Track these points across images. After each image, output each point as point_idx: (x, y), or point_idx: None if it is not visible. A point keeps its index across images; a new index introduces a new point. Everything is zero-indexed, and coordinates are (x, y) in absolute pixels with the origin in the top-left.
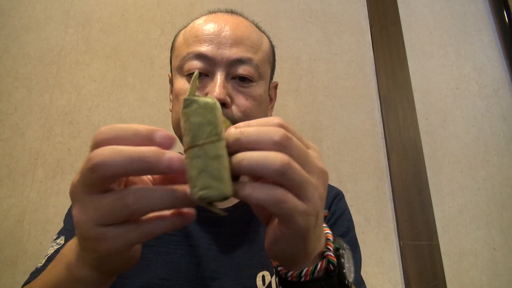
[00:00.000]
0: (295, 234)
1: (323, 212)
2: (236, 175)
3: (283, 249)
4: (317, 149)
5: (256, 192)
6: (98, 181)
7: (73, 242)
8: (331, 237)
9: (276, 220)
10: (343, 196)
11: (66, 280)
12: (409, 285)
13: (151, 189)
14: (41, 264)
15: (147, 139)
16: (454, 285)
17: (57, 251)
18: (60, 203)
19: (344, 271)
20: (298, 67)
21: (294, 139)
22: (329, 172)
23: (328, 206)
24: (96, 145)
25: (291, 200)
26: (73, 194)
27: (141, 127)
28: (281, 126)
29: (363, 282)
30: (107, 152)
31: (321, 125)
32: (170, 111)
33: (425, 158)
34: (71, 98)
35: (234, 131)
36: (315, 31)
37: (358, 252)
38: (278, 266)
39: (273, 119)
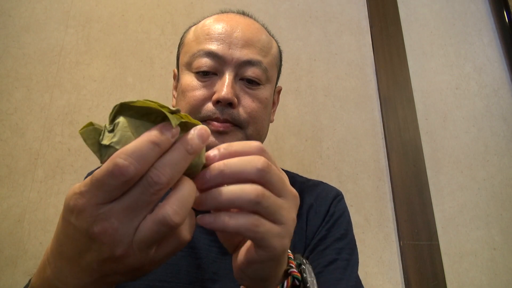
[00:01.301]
0: (270, 257)
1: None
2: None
3: (255, 271)
4: (284, 174)
5: (232, 221)
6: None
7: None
8: (291, 255)
9: (249, 245)
10: (342, 197)
11: None
12: (409, 285)
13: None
14: None
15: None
16: (454, 285)
17: None
18: (60, 203)
19: (308, 285)
20: (298, 67)
21: (273, 166)
22: (329, 172)
23: (327, 207)
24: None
25: (265, 224)
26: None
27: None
28: (262, 151)
29: (361, 285)
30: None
31: (321, 125)
32: (174, 106)
33: (425, 158)
34: (71, 98)
35: (217, 164)
36: (315, 31)
37: (355, 254)
38: None
39: (252, 143)
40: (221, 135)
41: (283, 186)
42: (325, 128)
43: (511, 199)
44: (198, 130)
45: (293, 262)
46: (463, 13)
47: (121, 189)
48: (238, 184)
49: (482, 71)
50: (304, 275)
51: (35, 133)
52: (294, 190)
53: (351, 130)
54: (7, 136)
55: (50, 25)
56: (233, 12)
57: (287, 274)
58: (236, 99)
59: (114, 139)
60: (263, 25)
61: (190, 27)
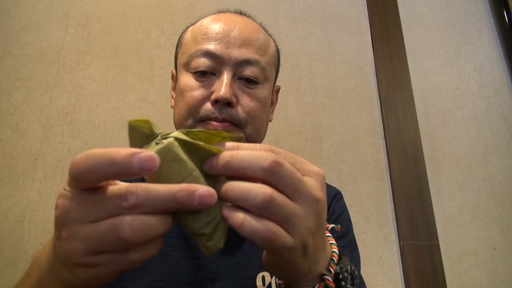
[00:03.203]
0: (282, 263)
1: (312, 242)
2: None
3: (275, 269)
4: (319, 175)
5: (245, 226)
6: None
7: (47, 256)
8: (335, 258)
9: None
10: (342, 196)
11: None
12: (409, 285)
13: (148, 219)
14: None
15: (126, 168)
16: (454, 285)
17: None
18: None
19: None
20: (298, 67)
21: (286, 165)
22: (329, 172)
23: (327, 207)
24: (74, 178)
25: (280, 238)
26: (61, 219)
27: (117, 154)
28: (271, 151)
29: (363, 282)
30: (143, 191)
31: (321, 125)
32: (172, 107)
33: (425, 158)
34: (71, 98)
35: (225, 154)
36: (315, 31)
37: (356, 252)
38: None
39: (264, 145)
40: None
41: (298, 189)
42: (325, 128)
43: (511, 199)
44: (202, 191)
45: (333, 267)
46: (463, 13)
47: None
48: (247, 183)
49: (482, 71)
50: (343, 283)
51: (35, 133)
52: (316, 194)
53: (351, 130)
54: (7, 136)
55: (50, 25)
56: (231, 11)
57: (321, 279)
58: (234, 99)
59: (154, 149)
60: (260, 24)
61: (187, 27)
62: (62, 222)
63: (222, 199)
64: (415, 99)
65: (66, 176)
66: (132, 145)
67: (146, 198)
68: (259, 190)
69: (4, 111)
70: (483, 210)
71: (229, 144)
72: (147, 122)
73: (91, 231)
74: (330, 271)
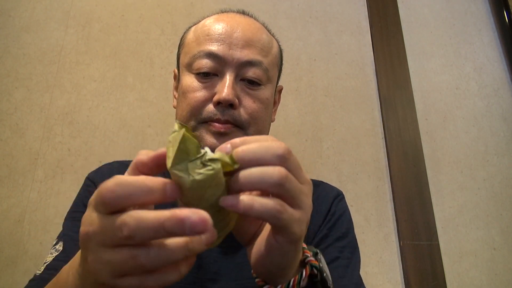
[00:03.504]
0: (290, 242)
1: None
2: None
3: (275, 260)
4: (310, 185)
5: (256, 205)
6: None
7: (75, 272)
8: (304, 245)
9: (266, 234)
10: (343, 197)
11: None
12: (409, 285)
13: (165, 248)
14: (40, 272)
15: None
16: (454, 285)
17: (56, 259)
18: (60, 203)
19: (325, 275)
20: (298, 67)
21: (292, 152)
22: (329, 172)
23: (328, 207)
24: (104, 204)
25: (288, 210)
26: (86, 243)
27: (154, 184)
28: (277, 141)
29: (362, 283)
30: (133, 222)
31: (321, 125)
32: (174, 107)
33: (425, 158)
34: (71, 98)
35: (238, 152)
36: (315, 31)
37: (357, 253)
38: (263, 285)
39: (268, 136)
40: (222, 136)
41: (300, 171)
42: (325, 128)
43: (511, 199)
44: (193, 219)
45: (308, 251)
46: (463, 13)
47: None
48: (261, 167)
49: (482, 71)
50: (320, 264)
51: (35, 133)
52: (308, 177)
53: (351, 130)
54: (7, 136)
55: (50, 25)
56: (233, 11)
57: (304, 263)
58: (237, 100)
59: (198, 177)
60: (263, 24)
61: (190, 27)
62: (87, 246)
63: (238, 187)
64: (415, 99)
65: (66, 176)
66: (174, 154)
67: (137, 228)
68: (274, 169)
69: (4, 111)
70: (483, 210)
71: (234, 140)
72: (197, 142)
73: (112, 256)
74: (307, 255)
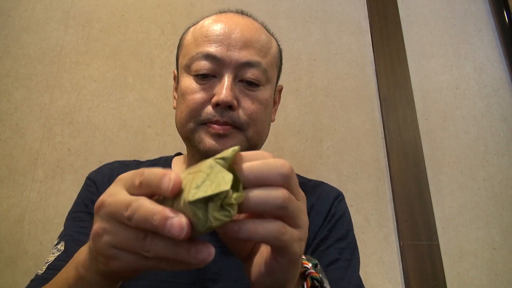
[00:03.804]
0: (291, 261)
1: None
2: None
3: (277, 278)
4: (304, 199)
5: (259, 230)
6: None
7: (86, 247)
8: (303, 256)
9: (265, 253)
10: (343, 198)
11: (74, 279)
12: (409, 285)
13: (171, 245)
14: (42, 272)
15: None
16: (454, 285)
17: (57, 259)
18: (60, 203)
19: (325, 285)
20: (298, 67)
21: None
22: (329, 172)
23: (329, 208)
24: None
25: (289, 230)
26: (99, 209)
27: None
28: (283, 181)
29: (362, 284)
30: (135, 206)
31: (321, 125)
32: (174, 108)
33: (425, 158)
34: (71, 98)
35: (242, 170)
36: (315, 31)
37: (356, 254)
38: None
39: (265, 153)
40: (221, 138)
41: (299, 189)
42: (325, 128)
43: (511, 199)
44: (172, 222)
45: (307, 263)
46: (463, 13)
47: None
48: (264, 188)
49: (482, 71)
50: (320, 275)
51: (35, 133)
52: (302, 192)
53: (351, 130)
54: (7, 136)
55: (50, 25)
56: (232, 11)
57: (304, 275)
58: (235, 102)
59: (214, 223)
60: (262, 24)
61: (188, 28)
62: (98, 211)
63: (242, 210)
64: (415, 99)
65: (66, 176)
66: (203, 190)
67: (134, 214)
68: (278, 192)
69: (4, 111)
70: (483, 210)
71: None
72: (232, 176)
73: (116, 229)
74: (307, 267)
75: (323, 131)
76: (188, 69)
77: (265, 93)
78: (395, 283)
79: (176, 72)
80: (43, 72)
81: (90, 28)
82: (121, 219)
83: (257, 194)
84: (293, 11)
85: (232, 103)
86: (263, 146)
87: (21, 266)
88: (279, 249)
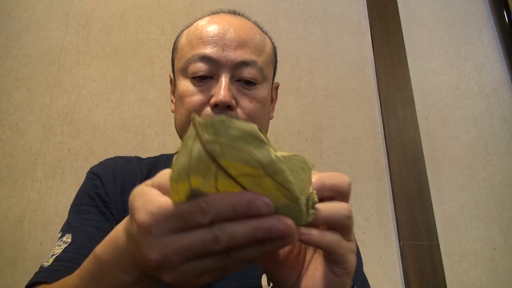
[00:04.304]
0: (346, 273)
1: None
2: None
3: None
4: None
5: (327, 237)
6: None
7: (108, 264)
8: None
9: (320, 269)
10: None
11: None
12: (409, 285)
13: (247, 224)
14: (48, 264)
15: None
16: (454, 285)
17: (65, 251)
18: (60, 203)
19: None
20: (298, 67)
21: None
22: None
23: None
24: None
25: (345, 242)
26: (150, 231)
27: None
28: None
29: (367, 280)
30: (209, 206)
31: (321, 125)
32: (173, 112)
33: (425, 158)
34: (71, 98)
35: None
36: (315, 31)
37: (358, 254)
38: None
39: (341, 175)
40: None
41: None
42: (325, 128)
43: (511, 199)
44: (282, 225)
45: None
46: (463, 13)
47: (191, 227)
48: (333, 202)
49: (482, 71)
50: None
51: (35, 133)
52: None
53: (351, 130)
54: (7, 136)
55: (50, 25)
56: (225, 12)
57: None
58: (233, 101)
59: (310, 218)
60: (255, 23)
61: (182, 31)
62: (150, 234)
63: (315, 222)
64: (415, 99)
65: (66, 176)
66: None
67: (211, 208)
68: (344, 205)
69: (4, 111)
70: (483, 210)
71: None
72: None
73: (187, 239)
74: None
75: (323, 131)
76: (184, 72)
77: (262, 91)
78: (395, 283)
79: (172, 75)
80: (43, 72)
81: (90, 28)
82: (193, 225)
83: (328, 206)
84: (293, 11)
85: (230, 103)
86: None
87: (21, 266)
88: (338, 258)
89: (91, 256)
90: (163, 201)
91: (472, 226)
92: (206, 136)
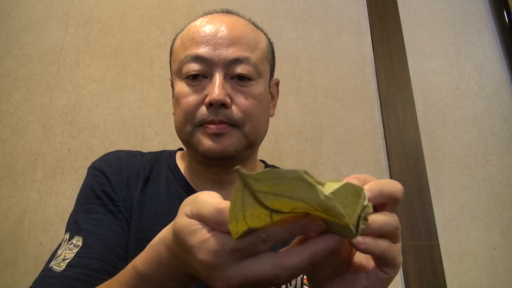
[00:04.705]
0: (396, 271)
1: None
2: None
3: None
4: None
5: (380, 245)
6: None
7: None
8: None
9: (362, 274)
10: None
11: None
12: (409, 285)
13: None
14: (61, 269)
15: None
16: (454, 285)
17: (78, 256)
18: (60, 203)
19: None
20: (298, 67)
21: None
22: (329, 172)
23: None
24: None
25: (393, 245)
26: (216, 266)
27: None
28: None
29: None
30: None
31: (321, 125)
32: (173, 114)
33: (425, 158)
34: (71, 98)
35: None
36: (315, 31)
37: None
38: None
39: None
40: (218, 137)
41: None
42: (325, 128)
43: (511, 199)
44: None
45: None
46: (463, 13)
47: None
48: (384, 213)
49: (482, 71)
50: None
51: (35, 133)
52: None
53: (351, 130)
54: (7, 136)
55: (50, 25)
56: (217, 12)
57: None
58: (228, 99)
59: (359, 233)
60: (249, 20)
61: (177, 34)
62: (217, 267)
63: (368, 232)
64: (415, 99)
65: (66, 176)
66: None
67: (270, 238)
68: (394, 216)
69: (4, 111)
70: (483, 210)
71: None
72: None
73: (253, 265)
74: None
75: (323, 131)
76: (179, 73)
77: (258, 87)
78: (395, 283)
79: (171, 79)
80: (43, 72)
81: (90, 28)
82: (252, 252)
83: (381, 218)
84: (293, 11)
85: (225, 100)
86: (262, 143)
87: (21, 266)
88: (389, 261)
89: (131, 271)
90: (221, 238)
91: (472, 226)
92: (255, 187)
